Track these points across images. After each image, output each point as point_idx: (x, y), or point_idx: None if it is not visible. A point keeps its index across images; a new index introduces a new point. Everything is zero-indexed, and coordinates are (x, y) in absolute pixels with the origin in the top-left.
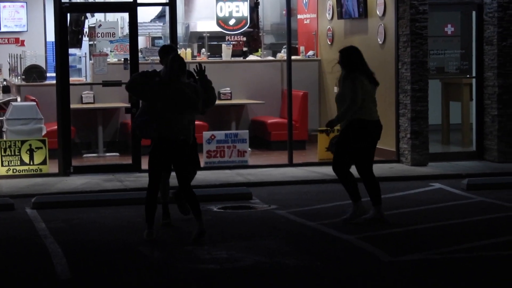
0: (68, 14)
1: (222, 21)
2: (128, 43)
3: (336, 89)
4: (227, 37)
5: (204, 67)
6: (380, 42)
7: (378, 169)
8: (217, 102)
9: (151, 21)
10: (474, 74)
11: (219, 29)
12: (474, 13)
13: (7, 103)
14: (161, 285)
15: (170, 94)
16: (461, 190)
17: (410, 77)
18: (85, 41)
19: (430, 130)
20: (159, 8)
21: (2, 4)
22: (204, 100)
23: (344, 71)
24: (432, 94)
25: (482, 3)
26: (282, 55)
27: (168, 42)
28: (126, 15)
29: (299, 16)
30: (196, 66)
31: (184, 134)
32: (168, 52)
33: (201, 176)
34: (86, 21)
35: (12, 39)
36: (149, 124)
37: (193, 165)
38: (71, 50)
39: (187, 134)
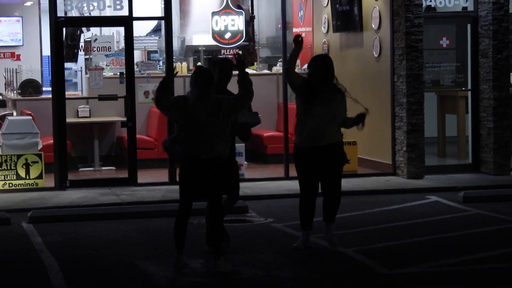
0: (64, 29)
1: (217, 35)
2: (124, 57)
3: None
4: (222, 51)
5: (244, 57)
6: (376, 55)
7: (374, 182)
8: None
9: (146, 35)
10: (469, 87)
11: (214, 43)
12: (469, 26)
13: (3, 118)
14: None
15: (200, 119)
16: (458, 202)
17: (405, 90)
18: (81, 55)
19: (426, 143)
20: (155, 22)
21: None
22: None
23: (327, 83)
24: (428, 107)
25: (477, 16)
26: (278, 68)
27: (164, 56)
28: (121, 29)
29: (294, 30)
30: (235, 55)
31: (221, 152)
32: (216, 63)
33: None
34: (82, 35)
35: (7, 54)
36: (177, 143)
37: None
38: (67, 64)
39: (219, 151)
